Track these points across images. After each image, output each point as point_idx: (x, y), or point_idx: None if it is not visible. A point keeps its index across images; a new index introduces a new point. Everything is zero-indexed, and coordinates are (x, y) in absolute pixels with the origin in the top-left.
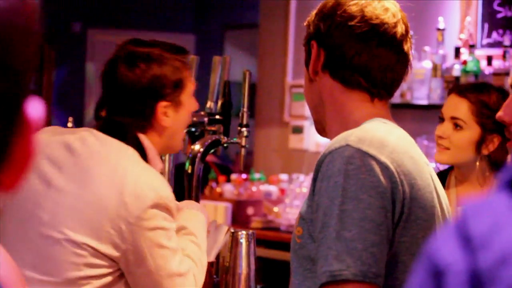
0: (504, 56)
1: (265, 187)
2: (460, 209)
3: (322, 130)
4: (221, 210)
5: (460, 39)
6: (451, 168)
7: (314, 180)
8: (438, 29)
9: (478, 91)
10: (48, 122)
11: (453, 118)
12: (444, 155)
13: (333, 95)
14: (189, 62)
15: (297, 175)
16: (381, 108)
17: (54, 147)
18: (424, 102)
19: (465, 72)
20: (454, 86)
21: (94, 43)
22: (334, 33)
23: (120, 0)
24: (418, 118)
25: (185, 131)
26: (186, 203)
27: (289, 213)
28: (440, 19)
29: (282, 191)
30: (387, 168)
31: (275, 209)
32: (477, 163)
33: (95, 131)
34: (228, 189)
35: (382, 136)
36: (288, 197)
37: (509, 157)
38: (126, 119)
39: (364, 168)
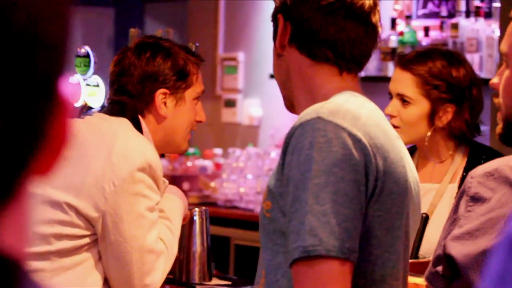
0: (441, 27)
1: (200, 162)
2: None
3: (290, 106)
4: (174, 186)
5: (396, 10)
6: (415, 148)
7: (284, 153)
8: None
9: (421, 61)
10: None
11: (399, 94)
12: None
13: (301, 69)
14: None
15: (233, 149)
16: (350, 81)
17: None
18: (360, 73)
19: (402, 43)
20: (397, 58)
21: None
22: (300, 5)
23: None
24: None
25: (188, 132)
26: (169, 186)
27: (226, 188)
28: None
29: (218, 165)
30: (359, 141)
31: (212, 184)
32: (427, 136)
33: (98, 113)
34: (162, 164)
35: (354, 109)
36: (224, 172)
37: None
38: (126, 99)
39: (336, 141)
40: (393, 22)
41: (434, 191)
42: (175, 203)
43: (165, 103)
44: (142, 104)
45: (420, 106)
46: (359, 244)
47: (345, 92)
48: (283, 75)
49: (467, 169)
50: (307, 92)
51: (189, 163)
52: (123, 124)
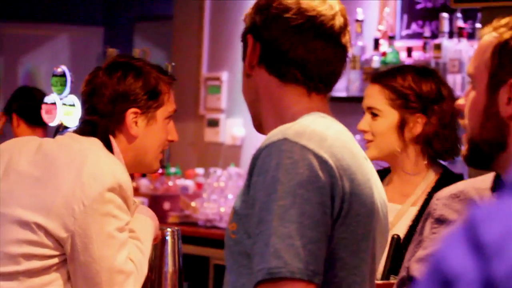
0: (424, 48)
1: (181, 182)
2: (469, 213)
3: (259, 126)
4: (145, 206)
5: (379, 30)
6: (388, 171)
7: (250, 174)
8: (357, 20)
9: (391, 75)
10: None
11: (369, 108)
12: (370, 149)
13: (269, 89)
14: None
15: (214, 169)
16: (319, 102)
17: (29, 145)
18: (343, 94)
19: (384, 63)
20: (370, 75)
21: (1, 36)
22: (270, 25)
23: None
24: (337, 110)
25: (160, 151)
26: (140, 207)
27: (206, 207)
28: (359, 10)
29: (199, 185)
30: (326, 162)
31: (192, 203)
32: (398, 148)
33: (70, 133)
34: (143, 183)
35: (320, 130)
36: (205, 192)
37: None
38: (97, 119)
39: (302, 162)
40: (376, 43)
41: (395, 212)
42: (145, 223)
43: (136, 123)
44: (113, 123)
45: (389, 117)
46: (324, 266)
47: (313, 113)
48: (251, 95)
49: (431, 193)
50: (275, 113)
51: (170, 183)
52: (93, 144)
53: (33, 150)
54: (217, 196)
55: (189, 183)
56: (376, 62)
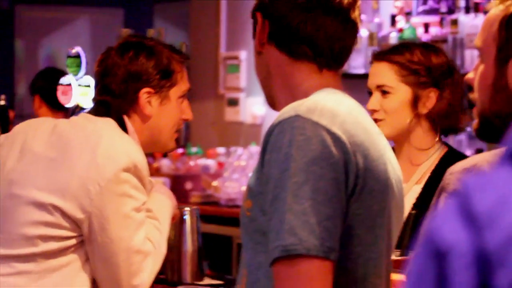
0: (441, 23)
1: (202, 161)
2: (460, 185)
3: (272, 103)
4: (162, 185)
5: (396, 6)
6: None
7: (263, 151)
8: None
9: (397, 51)
10: None
11: (378, 86)
12: (382, 128)
13: (280, 67)
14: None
15: (235, 148)
16: (330, 79)
17: (44, 126)
18: (361, 71)
19: (402, 39)
20: (372, 54)
21: (22, 20)
22: (278, 3)
23: None
24: (356, 88)
25: (175, 130)
26: (158, 186)
27: (228, 187)
28: None
29: (220, 164)
30: (338, 138)
31: (214, 183)
32: (410, 122)
33: (84, 113)
34: (165, 164)
35: (332, 106)
36: (226, 171)
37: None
38: (111, 99)
39: (315, 139)
40: (393, 19)
41: None
42: (163, 203)
43: (149, 102)
44: (127, 103)
45: (402, 93)
46: (340, 242)
47: (324, 89)
48: (263, 73)
49: (435, 171)
50: (287, 90)
51: (191, 163)
52: (108, 124)
53: (48, 131)
54: (239, 175)
55: (211, 162)
56: (393, 39)
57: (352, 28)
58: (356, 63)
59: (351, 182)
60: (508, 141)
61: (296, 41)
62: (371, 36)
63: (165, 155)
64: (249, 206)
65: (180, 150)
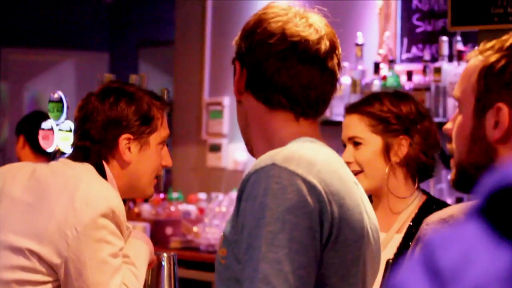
0: (424, 71)
1: (183, 207)
2: (426, 239)
3: (251, 151)
4: (139, 231)
5: (379, 54)
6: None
7: (239, 199)
8: (357, 44)
9: (367, 103)
10: None
11: (350, 138)
12: (361, 181)
13: (257, 115)
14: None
15: (216, 194)
16: (307, 127)
17: (23, 171)
18: (343, 118)
19: (385, 87)
20: (344, 108)
21: (8, 62)
22: (254, 51)
23: (33, 19)
24: (338, 134)
25: (154, 177)
26: (135, 231)
27: (208, 232)
28: (359, 34)
29: (201, 210)
30: (314, 187)
31: (195, 228)
32: (385, 173)
33: (63, 159)
34: (146, 209)
35: (309, 155)
36: (207, 217)
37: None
38: (90, 144)
39: (291, 188)
40: (377, 67)
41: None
42: (140, 248)
43: (129, 149)
44: (106, 149)
45: (373, 144)
46: None
47: (301, 138)
48: (242, 121)
49: (414, 220)
50: (265, 138)
51: (172, 208)
52: (86, 169)
53: (27, 176)
54: (219, 221)
55: (191, 208)
56: (376, 86)
57: (330, 76)
58: (339, 110)
59: (325, 231)
60: (478, 194)
61: (272, 89)
62: (354, 84)
63: (146, 200)
64: (224, 254)
65: (161, 195)
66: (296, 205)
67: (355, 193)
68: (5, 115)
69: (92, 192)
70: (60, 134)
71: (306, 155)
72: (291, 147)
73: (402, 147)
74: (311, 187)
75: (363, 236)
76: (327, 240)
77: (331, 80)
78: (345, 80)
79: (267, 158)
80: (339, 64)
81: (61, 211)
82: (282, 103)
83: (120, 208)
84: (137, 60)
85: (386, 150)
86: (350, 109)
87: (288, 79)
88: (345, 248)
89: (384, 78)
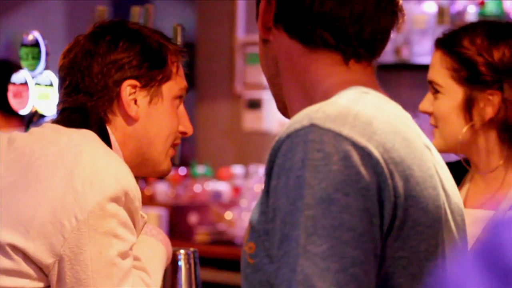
0: None
1: (212, 186)
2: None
3: (283, 108)
4: (153, 220)
5: None
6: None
7: (268, 176)
8: None
9: (455, 36)
10: None
11: (430, 82)
12: (435, 138)
13: (291, 58)
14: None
15: (256, 167)
16: (360, 73)
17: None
18: (427, 60)
19: (482, 16)
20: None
21: None
22: None
23: None
24: (420, 83)
25: (170, 144)
26: (149, 225)
27: (246, 220)
28: None
29: (236, 190)
30: (369, 155)
31: (227, 215)
32: (462, 134)
33: (50, 123)
34: (161, 189)
35: (362, 112)
36: (244, 198)
37: None
38: (82, 97)
39: (337, 156)
40: None
41: (484, 221)
42: (156, 250)
43: (135, 100)
44: (105, 104)
45: (452, 95)
46: None
47: (352, 88)
48: (271, 68)
49: None
50: (301, 89)
51: (197, 188)
52: (87, 137)
53: (3, 148)
54: None
55: (223, 187)
56: (471, 15)
57: (388, 3)
58: (421, 49)
59: (387, 214)
60: None
61: (312, 23)
62: (441, 12)
63: (161, 178)
64: (251, 250)
65: (181, 171)
66: (345, 179)
67: (427, 161)
68: None
69: (98, 168)
70: (37, 89)
71: (357, 111)
72: (336, 100)
73: (491, 104)
74: (364, 154)
75: (439, 220)
76: (389, 226)
77: (390, 8)
78: (428, 7)
79: (303, 117)
80: None
81: (56, 193)
82: (327, 41)
83: (134, 190)
84: None
85: (468, 107)
86: (436, 43)
87: (335, 7)
88: (416, 236)
89: (482, 3)
